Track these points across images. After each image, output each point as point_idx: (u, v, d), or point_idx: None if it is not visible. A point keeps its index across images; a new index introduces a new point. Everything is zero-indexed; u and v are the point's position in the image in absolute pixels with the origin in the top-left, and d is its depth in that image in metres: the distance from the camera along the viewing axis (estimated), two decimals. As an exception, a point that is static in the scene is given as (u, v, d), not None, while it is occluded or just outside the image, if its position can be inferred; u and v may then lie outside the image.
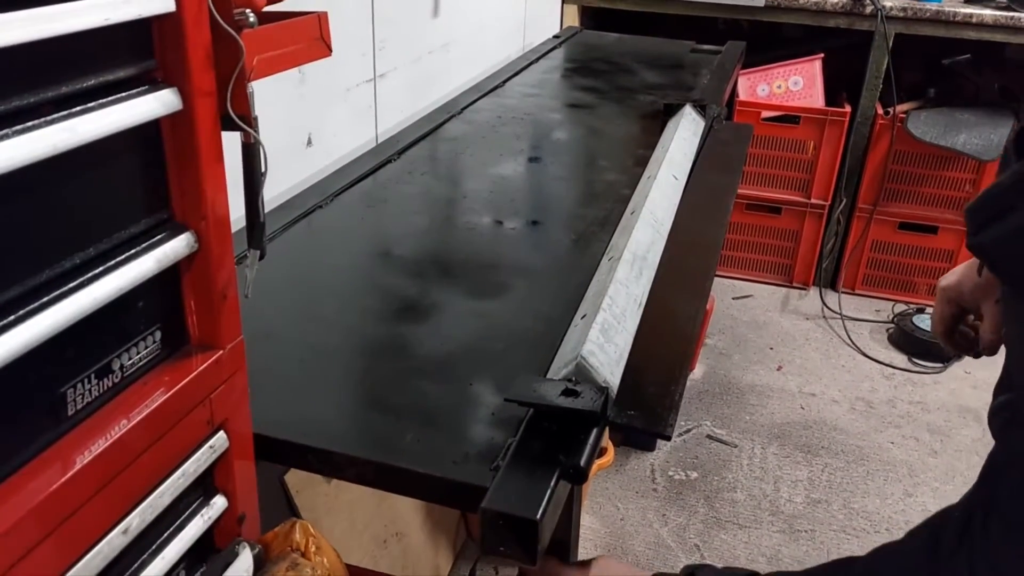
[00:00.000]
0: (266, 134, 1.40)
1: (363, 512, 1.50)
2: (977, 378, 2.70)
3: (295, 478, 1.33)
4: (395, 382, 0.89)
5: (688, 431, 2.42)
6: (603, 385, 0.78)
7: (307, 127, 1.46)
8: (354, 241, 1.24)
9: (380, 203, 1.37)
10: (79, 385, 0.52)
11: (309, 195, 1.34)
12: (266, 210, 1.29)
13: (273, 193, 1.37)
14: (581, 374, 0.79)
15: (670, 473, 2.25)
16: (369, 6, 1.61)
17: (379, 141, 1.70)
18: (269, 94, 1.32)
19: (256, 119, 0.63)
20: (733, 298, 3.16)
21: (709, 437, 2.40)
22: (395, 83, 1.77)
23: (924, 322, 2.86)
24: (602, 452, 1.86)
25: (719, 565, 0.87)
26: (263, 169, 0.66)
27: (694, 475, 2.25)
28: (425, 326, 1.00)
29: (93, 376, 0.53)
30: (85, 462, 0.52)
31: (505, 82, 2.09)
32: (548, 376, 0.83)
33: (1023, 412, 0.66)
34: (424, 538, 1.68)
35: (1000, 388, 0.72)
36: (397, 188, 1.42)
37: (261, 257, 0.68)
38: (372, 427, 0.83)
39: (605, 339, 0.84)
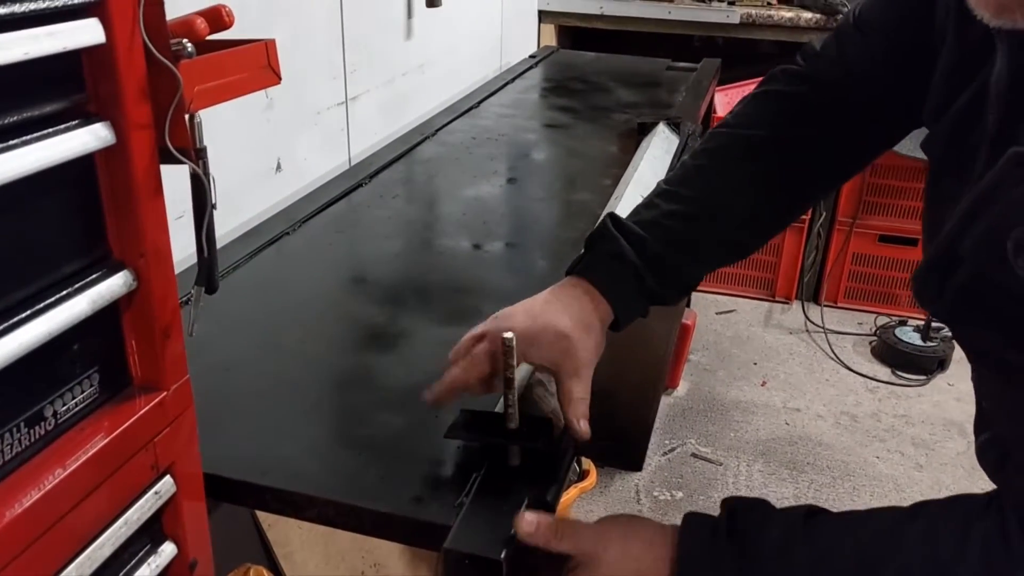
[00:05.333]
0: (232, 160, 1.38)
1: (339, 544, 1.47)
2: (961, 390, 2.69)
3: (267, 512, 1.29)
4: (359, 415, 0.87)
5: (672, 450, 2.40)
6: (548, 415, 0.76)
7: (276, 152, 1.44)
8: (322, 267, 1.22)
9: (350, 228, 1.35)
10: (7, 435, 0.50)
11: (277, 221, 1.32)
12: (233, 237, 1.28)
13: (241, 220, 1.35)
14: (526, 406, 0.77)
15: (655, 493, 2.23)
16: (339, 30, 1.60)
17: (352, 164, 1.68)
18: (234, 120, 1.30)
19: (203, 150, 0.61)
20: (716, 313, 3.15)
21: (694, 456, 2.37)
22: (368, 106, 1.75)
23: (907, 335, 2.86)
24: (584, 475, 1.83)
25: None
26: (212, 202, 0.64)
27: (679, 495, 2.22)
28: (393, 355, 0.98)
29: (23, 425, 0.51)
30: (14, 515, 0.49)
31: (480, 103, 2.08)
32: (496, 409, 0.81)
33: (1008, 448, 0.65)
34: (403, 569, 1.65)
35: (979, 426, 0.71)
36: (368, 212, 1.40)
37: (211, 292, 0.66)
38: (334, 464, 0.81)
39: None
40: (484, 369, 0.74)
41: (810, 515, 0.68)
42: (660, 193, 0.83)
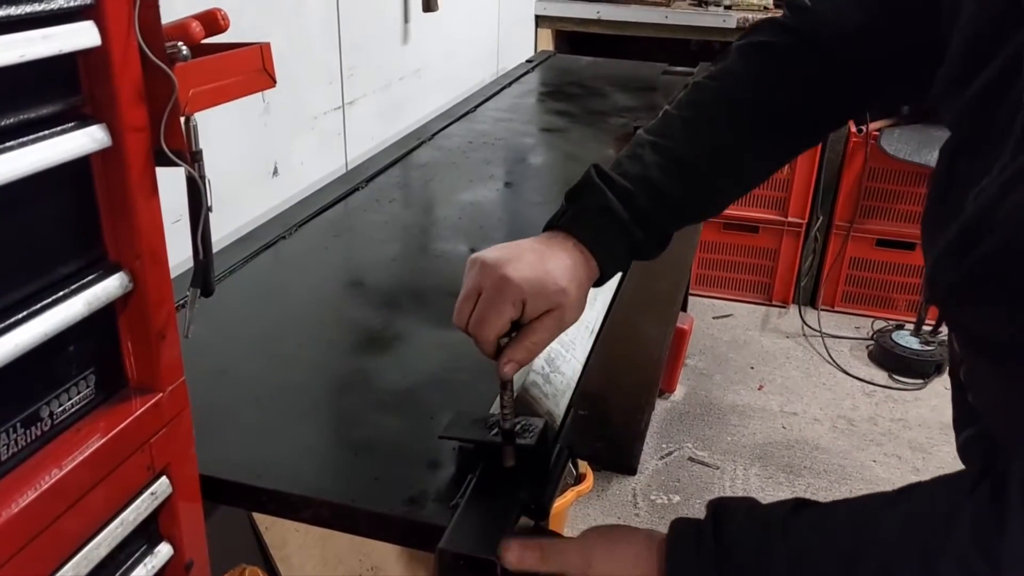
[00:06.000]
0: (229, 164, 1.39)
1: (336, 547, 1.47)
2: (957, 393, 2.70)
3: (262, 514, 1.30)
4: (355, 418, 0.87)
5: (670, 454, 2.40)
6: (542, 417, 0.77)
7: (273, 156, 1.45)
8: (318, 271, 1.22)
9: (346, 232, 1.35)
10: (4, 436, 0.50)
11: (273, 225, 1.32)
12: (229, 241, 1.28)
13: (238, 224, 1.35)
14: (521, 407, 0.77)
15: (652, 497, 2.23)
16: (336, 34, 1.60)
17: (349, 168, 1.69)
18: (231, 125, 1.31)
19: (200, 152, 0.61)
20: (713, 317, 3.16)
21: (691, 459, 2.38)
22: (365, 110, 1.76)
23: (904, 339, 2.87)
24: (581, 478, 1.83)
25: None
26: (208, 204, 0.64)
27: (676, 499, 2.23)
28: (388, 358, 0.98)
29: (19, 425, 0.51)
30: (11, 515, 0.49)
31: (477, 107, 2.08)
32: (492, 410, 0.81)
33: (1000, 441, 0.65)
34: (401, 571, 1.65)
35: (961, 424, 0.71)
36: (364, 216, 1.41)
37: (207, 295, 0.66)
38: (329, 465, 0.81)
39: (551, 369, 0.83)
40: (504, 326, 0.70)
41: (795, 510, 0.66)
42: (643, 144, 0.80)
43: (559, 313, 0.71)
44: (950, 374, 0.74)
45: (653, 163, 0.77)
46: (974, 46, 0.63)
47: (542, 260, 0.71)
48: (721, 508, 0.68)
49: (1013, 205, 0.54)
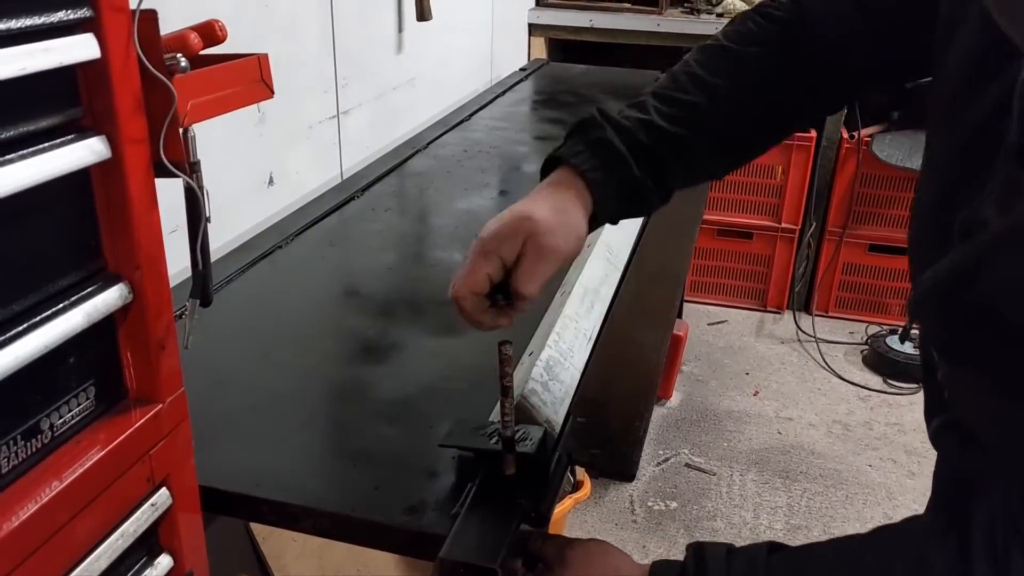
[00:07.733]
0: (224, 175, 1.39)
1: (334, 556, 1.46)
2: (952, 397, 2.70)
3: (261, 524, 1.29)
4: (353, 427, 0.87)
5: (666, 460, 2.40)
6: (541, 425, 0.77)
7: (268, 166, 1.45)
8: (315, 281, 1.22)
9: (343, 241, 1.35)
10: (4, 448, 0.50)
11: (269, 235, 1.32)
12: (226, 251, 1.28)
13: (234, 234, 1.35)
14: (520, 414, 0.78)
15: (649, 503, 2.23)
16: (330, 44, 1.61)
17: (344, 177, 1.69)
18: (227, 134, 1.31)
19: (198, 163, 0.62)
20: (708, 324, 3.16)
21: (688, 466, 2.38)
22: (360, 119, 1.76)
23: (897, 343, 2.88)
24: (579, 485, 1.83)
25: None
26: (206, 215, 0.65)
27: (673, 505, 2.23)
28: (386, 367, 0.98)
29: (19, 438, 0.51)
30: (11, 528, 0.49)
31: (471, 116, 2.09)
32: (491, 418, 0.81)
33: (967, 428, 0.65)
34: (398, 581, 1.65)
35: (932, 410, 0.71)
36: (360, 225, 1.41)
37: (206, 305, 0.66)
38: (328, 475, 0.81)
39: (549, 376, 0.83)
40: (488, 274, 0.71)
41: (771, 551, 0.69)
42: (646, 95, 0.80)
43: (534, 241, 0.71)
44: (922, 365, 0.75)
45: (654, 107, 0.78)
46: (975, 64, 0.62)
47: (511, 206, 0.73)
48: (701, 548, 0.71)
49: (1004, 269, 0.53)
